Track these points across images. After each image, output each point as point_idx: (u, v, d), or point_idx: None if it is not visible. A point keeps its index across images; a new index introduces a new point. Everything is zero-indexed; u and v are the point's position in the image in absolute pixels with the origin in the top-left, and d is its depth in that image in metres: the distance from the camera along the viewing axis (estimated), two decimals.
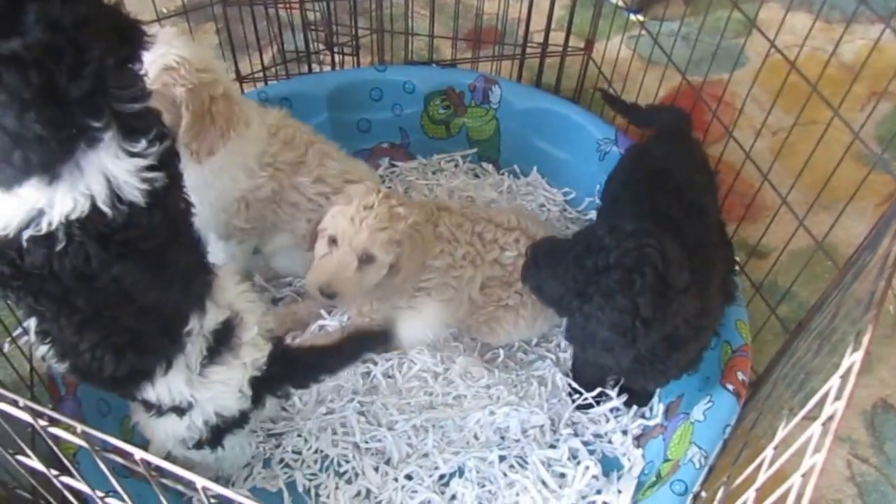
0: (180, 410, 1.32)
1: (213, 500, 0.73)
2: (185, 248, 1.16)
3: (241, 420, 1.44)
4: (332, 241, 1.58)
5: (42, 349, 1.16)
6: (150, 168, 0.98)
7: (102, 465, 0.79)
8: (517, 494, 1.58)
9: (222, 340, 1.29)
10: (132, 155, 0.96)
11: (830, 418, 0.71)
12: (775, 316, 1.74)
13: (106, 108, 0.92)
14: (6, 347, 1.61)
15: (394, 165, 2.19)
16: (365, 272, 1.58)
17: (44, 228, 0.94)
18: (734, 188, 1.83)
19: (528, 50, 2.27)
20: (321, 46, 2.28)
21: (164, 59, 1.41)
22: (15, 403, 0.77)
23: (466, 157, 2.21)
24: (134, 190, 0.97)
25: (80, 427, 0.75)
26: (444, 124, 2.18)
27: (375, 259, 1.58)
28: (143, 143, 0.97)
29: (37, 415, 0.78)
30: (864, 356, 0.74)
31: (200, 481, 0.70)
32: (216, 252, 1.74)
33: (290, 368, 1.48)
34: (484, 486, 1.60)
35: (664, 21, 2.11)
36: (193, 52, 1.47)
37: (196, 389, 1.29)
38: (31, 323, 1.13)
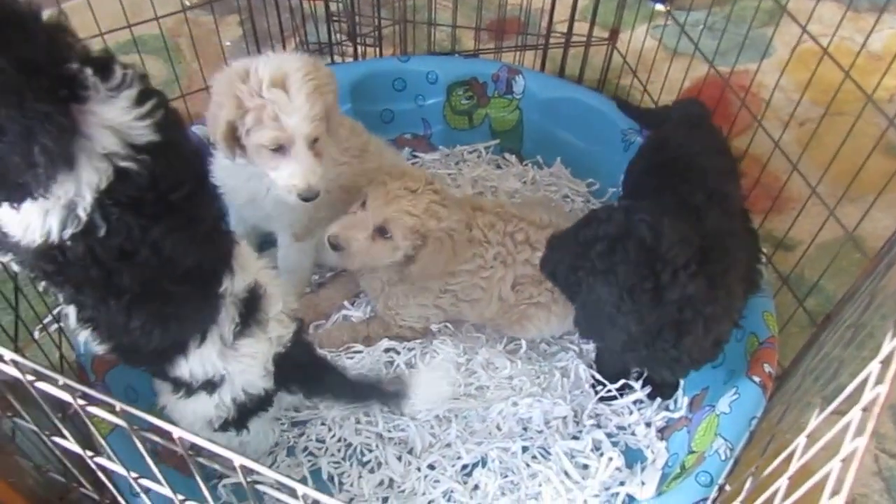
0: (212, 386, 1.32)
1: (248, 479, 0.73)
2: (209, 202, 1.16)
3: (265, 401, 1.44)
4: (363, 203, 1.59)
5: (83, 334, 1.17)
6: (141, 95, 0.97)
7: (139, 445, 0.80)
8: (540, 485, 1.57)
9: (250, 312, 1.29)
10: (118, 88, 0.95)
11: (873, 402, 0.70)
12: (803, 308, 1.72)
13: (68, 55, 0.90)
14: (37, 335, 1.62)
15: (416, 156, 2.19)
16: (377, 243, 1.58)
17: (83, 218, 0.95)
18: (761, 180, 1.81)
19: (552, 40, 2.25)
20: (344, 37, 2.28)
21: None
22: (55, 382, 0.77)
23: (489, 147, 2.21)
24: (141, 128, 0.96)
25: (118, 405, 0.75)
26: (467, 115, 2.18)
27: (391, 237, 1.57)
28: (119, 74, 0.95)
29: (76, 393, 0.78)
30: None
31: (238, 459, 0.70)
32: (287, 256, 1.79)
33: (304, 362, 1.46)
34: (506, 476, 1.59)
35: (691, 11, 2.09)
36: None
37: (228, 362, 1.30)
38: (71, 311, 1.14)
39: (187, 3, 2.04)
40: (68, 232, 0.96)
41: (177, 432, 0.70)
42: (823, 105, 1.62)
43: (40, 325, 1.62)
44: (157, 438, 0.75)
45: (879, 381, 0.70)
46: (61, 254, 0.99)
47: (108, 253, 0.99)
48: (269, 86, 1.37)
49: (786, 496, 0.86)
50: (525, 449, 1.63)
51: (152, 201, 1.00)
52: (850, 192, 1.61)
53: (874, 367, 0.75)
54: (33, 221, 0.96)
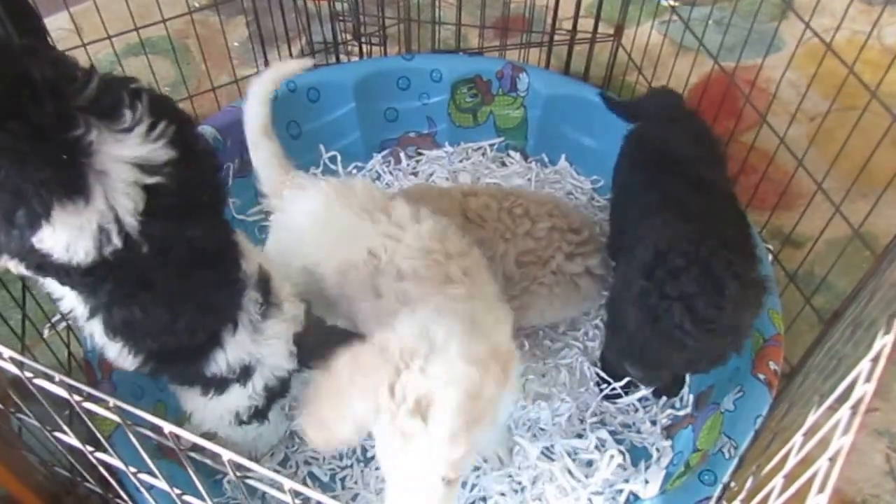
0: (247, 374, 1.33)
1: (238, 474, 0.74)
2: (220, 202, 1.16)
3: (284, 387, 1.45)
4: None
5: (114, 348, 1.18)
6: (150, 127, 0.97)
7: (134, 440, 0.80)
8: (543, 483, 1.57)
9: (266, 294, 1.30)
10: (128, 130, 0.95)
11: (860, 401, 0.70)
12: (810, 305, 1.70)
13: (72, 111, 0.91)
14: (46, 333, 1.64)
15: (420, 154, 2.19)
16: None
17: (115, 238, 0.96)
18: (770, 176, 1.80)
19: (557, 37, 2.25)
20: (349, 37, 2.29)
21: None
22: (51, 379, 0.79)
23: (494, 145, 2.20)
24: (157, 151, 0.97)
25: (112, 401, 0.76)
26: (472, 112, 2.17)
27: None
28: (127, 116, 0.95)
29: (72, 390, 0.80)
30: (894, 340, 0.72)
31: (226, 454, 0.71)
32: None
33: (320, 337, 1.45)
34: (510, 474, 1.59)
35: (696, 6, 2.08)
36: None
37: (259, 346, 1.31)
38: (96, 327, 1.15)
39: (196, 5, 2.05)
40: (108, 249, 0.97)
41: (167, 427, 0.71)
42: (834, 100, 1.60)
43: (49, 324, 1.64)
44: (150, 433, 0.76)
45: (868, 379, 0.70)
46: (106, 268, 1.00)
47: (149, 258, 1.01)
48: (410, 412, 1.06)
49: (781, 494, 0.86)
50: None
51: (183, 204, 1.02)
52: (862, 188, 1.59)
53: (865, 364, 0.75)
54: (74, 243, 0.97)
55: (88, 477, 1.24)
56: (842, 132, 1.60)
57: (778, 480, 0.87)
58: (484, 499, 1.57)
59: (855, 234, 1.54)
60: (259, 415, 1.45)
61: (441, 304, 1.23)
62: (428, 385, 1.06)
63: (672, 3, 2.53)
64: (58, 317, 1.66)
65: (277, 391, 1.44)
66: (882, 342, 0.73)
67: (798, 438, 0.90)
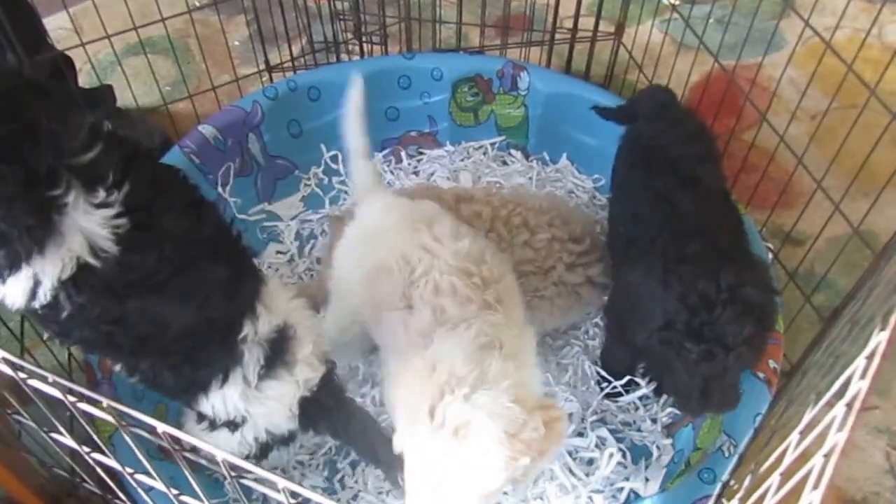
0: (234, 425, 1.29)
1: (233, 475, 0.74)
2: (220, 260, 1.13)
3: (288, 439, 1.41)
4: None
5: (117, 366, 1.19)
6: (117, 216, 0.96)
7: (129, 441, 0.81)
8: (544, 482, 1.57)
9: (277, 353, 1.24)
10: (98, 206, 0.95)
11: (855, 398, 0.70)
12: (810, 304, 1.70)
13: (61, 169, 0.91)
14: (46, 335, 1.64)
15: (421, 153, 2.19)
16: None
17: (45, 298, 0.96)
18: (771, 174, 1.79)
19: (558, 36, 2.25)
20: (349, 36, 2.29)
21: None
22: (44, 379, 0.79)
23: (495, 144, 2.20)
24: (105, 241, 0.96)
25: (106, 402, 0.76)
26: (473, 111, 2.17)
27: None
28: (103, 194, 0.95)
29: (67, 391, 0.80)
30: (889, 337, 0.72)
31: (221, 455, 0.71)
32: None
33: (330, 406, 1.39)
34: None
35: (697, 4, 2.07)
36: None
37: (251, 404, 1.26)
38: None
39: (196, 4, 2.05)
40: (35, 304, 0.97)
41: (161, 427, 0.71)
42: (836, 99, 1.60)
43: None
44: (145, 434, 0.76)
45: (863, 376, 0.70)
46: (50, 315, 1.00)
47: (92, 320, 1.01)
48: (451, 434, 1.06)
49: (778, 491, 0.86)
50: None
51: (124, 285, 1.00)
52: (864, 186, 1.58)
53: (860, 362, 0.75)
54: (7, 289, 0.98)
55: (88, 479, 1.24)
56: (843, 130, 1.60)
57: (775, 478, 0.87)
58: None
59: (854, 232, 1.54)
60: (256, 458, 1.39)
61: (482, 329, 1.23)
62: (470, 414, 1.07)
63: (673, 1, 2.53)
64: None
65: (275, 444, 1.39)
66: (877, 339, 0.73)
67: (795, 436, 0.90)
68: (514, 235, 1.67)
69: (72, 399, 0.79)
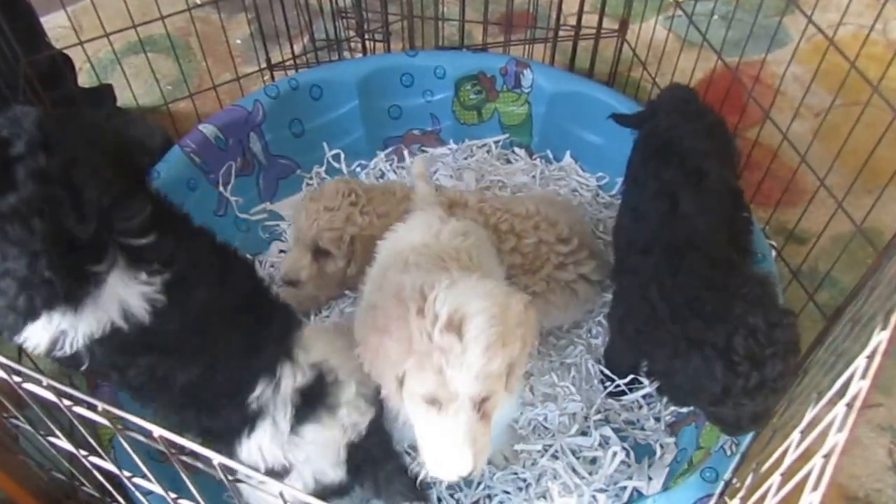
0: (276, 475, 1.23)
1: (229, 478, 0.74)
2: (236, 328, 1.14)
3: (342, 490, 1.35)
4: (296, 238, 1.75)
5: None
6: (156, 292, 1.00)
7: (125, 444, 0.80)
8: (547, 481, 1.57)
9: (315, 398, 1.22)
10: (139, 283, 0.98)
11: (855, 398, 0.69)
12: (813, 302, 1.69)
13: (111, 244, 0.94)
14: None
15: (424, 152, 2.19)
16: (322, 262, 1.76)
17: (67, 350, 0.98)
18: (775, 172, 1.78)
19: (561, 33, 2.24)
20: (352, 34, 2.28)
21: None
22: (39, 383, 0.78)
23: (498, 142, 2.19)
24: (140, 311, 0.99)
25: (101, 405, 0.76)
26: (476, 109, 2.17)
27: (329, 253, 1.73)
28: (145, 277, 0.98)
29: (61, 395, 0.79)
30: (890, 336, 0.71)
31: (216, 458, 0.71)
32: None
33: (379, 457, 1.35)
34: (515, 472, 1.59)
35: (701, 0, 2.05)
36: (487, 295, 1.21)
37: (289, 450, 1.22)
38: None
39: (198, 1, 2.04)
40: (55, 353, 0.99)
41: (157, 431, 0.71)
42: (840, 96, 1.58)
43: None
44: (140, 437, 0.76)
45: (863, 376, 0.69)
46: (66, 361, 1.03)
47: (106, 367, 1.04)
48: (443, 328, 1.11)
49: (779, 491, 0.85)
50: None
51: (138, 344, 1.02)
52: (868, 184, 1.57)
53: (861, 361, 0.74)
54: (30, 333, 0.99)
55: (87, 482, 1.24)
56: (847, 128, 1.59)
57: (776, 478, 0.86)
58: (489, 497, 1.57)
59: (858, 230, 1.53)
60: None
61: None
62: (458, 299, 1.12)
63: None
64: None
65: (326, 496, 1.33)
66: (878, 338, 0.73)
67: (796, 435, 0.89)
68: (503, 242, 1.68)
69: (67, 403, 0.79)
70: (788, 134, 1.71)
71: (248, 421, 1.18)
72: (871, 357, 0.72)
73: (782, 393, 1.26)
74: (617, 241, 1.70)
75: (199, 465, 0.76)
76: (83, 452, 0.95)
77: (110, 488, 1.06)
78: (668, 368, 1.33)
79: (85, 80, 2.21)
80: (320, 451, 1.25)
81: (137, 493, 1.01)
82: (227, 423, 1.18)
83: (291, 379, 1.19)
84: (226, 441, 1.21)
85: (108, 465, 0.92)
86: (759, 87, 1.81)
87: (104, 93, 2.17)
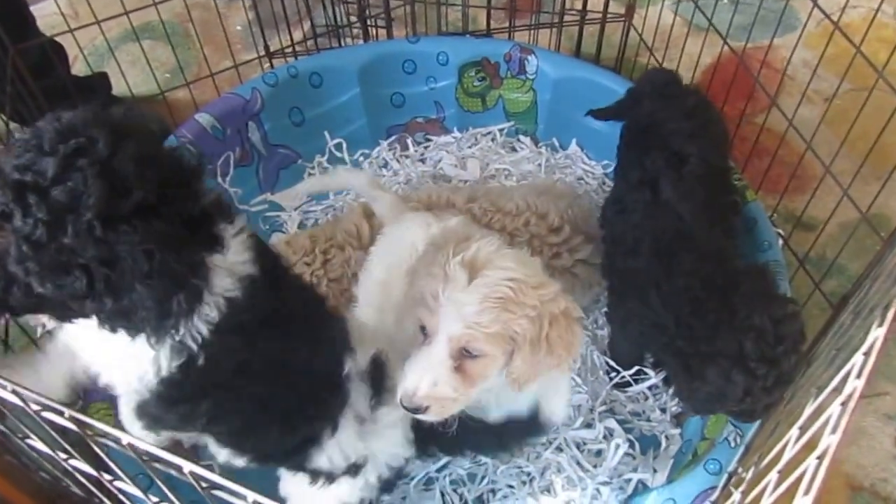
0: (356, 468, 1.27)
1: (203, 485, 0.72)
2: (312, 299, 1.17)
3: (399, 474, 1.40)
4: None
5: (224, 452, 1.17)
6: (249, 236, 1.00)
7: (98, 450, 0.79)
8: (551, 474, 1.55)
9: (378, 381, 1.24)
10: (235, 236, 0.97)
11: (850, 397, 0.66)
12: (819, 291, 1.66)
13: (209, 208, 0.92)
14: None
15: (429, 140, 2.16)
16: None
17: (194, 349, 0.94)
18: (784, 159, 1.75)
19: (567, 18, 2.20)
20: (353, 20, 2.25)
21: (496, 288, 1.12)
22: (4, 388, 0.77)
23: (503, 130, 2.16)
24: (245, 264, 0.98)
25: (67, 411, 0.74)
26: (480, 97, 2.13)
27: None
28: (238, 224, 0.97)
29: (27, 400, 0.78)
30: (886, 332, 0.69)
31: (187, 465, 0.69)
32: None
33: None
34: (519, 466, 1.57)
35: None
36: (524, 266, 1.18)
37: (369, 440, 1.25)
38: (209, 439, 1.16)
39: None
40: (174, 364, 0.96)
41: (125, 438, 0.69)
42: (851, 81, 1.54)
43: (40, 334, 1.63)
44: (112, 444, 0.74)
45: (859, 374, 0.66)
46: (174, 385, 0.98)
47: (223, 371, 1.00)
48: (462, 262, 1.11)
49: (775, 490, 0.83)
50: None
51: (252, 322, 0.99)
52: (877, 170, 1.54)
53: (857, 358, 0.71)
54: (142, 361, 0.95)
55: (72, 483, 1.22)
56: (857, 113, 1.55)
57: (773, 475, 0.84)
58: (493, 491, 1.55)
59: (863, 217, 1.50)
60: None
61: None
62: (495, 252, 1.15)
63: None
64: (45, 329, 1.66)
65: (393, 481, 1.38)
66: (875, 335, 0.70)
67: (794, 432, 0.86)
68: None
69: (35, 408, 0.77)
70: (798, 119, 1.67)
71: (334, 418, 1.19)
72: (867, 354, 0.69)
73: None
74: (604, 235, 1.67)
75: (173, 472, 0.75)
76: (62, 456, 0.94)
77: (94, 489, 1.05)
78: (690, 390, 1.32)
79: (81, 68, 2.19)
80: (394, 432, 1.31)
81: (123, 497, 1.00)
82: (321, 424, 1.18)
83: (363, 358, 1.22)
84: (303, 456, 1.22)
85: (87, 468, 0.91)
86: (769, 71, 1.78)
87: (98, 82, 2.14)
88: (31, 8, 2.01)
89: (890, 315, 0.70)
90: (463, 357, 1.14)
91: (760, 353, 1.21)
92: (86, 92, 2.07)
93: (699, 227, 1.39)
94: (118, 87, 2.16)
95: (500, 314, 1.10)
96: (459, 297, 1.10)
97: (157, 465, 0.73)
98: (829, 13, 1.54)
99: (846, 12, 1.52)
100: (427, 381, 1.14)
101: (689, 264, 1.33)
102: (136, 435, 0.89)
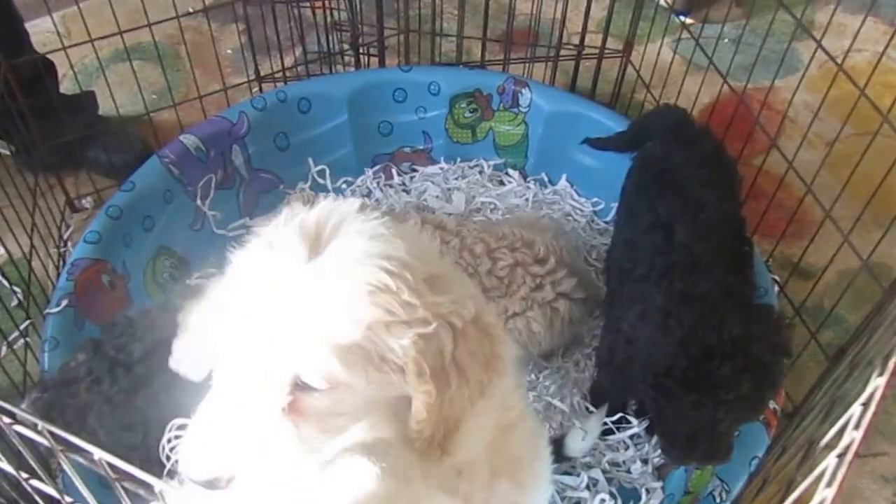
0: None
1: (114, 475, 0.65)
2: None
3: None
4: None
5: None
6: None
7: (67, 467, 0.72)
8: None
9: None
10: None
11: (847, 449, 0.60)
12: (815, 341, 1.58)
13: None
14: (3, 352, 1.57)
15: (415, 171, 2.10)
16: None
17: None
18: (783, 203, 1.69)
19: (563, 52, 2.16)
20: (346, 47, 2.21)
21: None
22: None
23: (491, 163, 2.11)
24: None
25: (40, 424, 0.67)
26: (470, 128, 2.08)
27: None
28: None
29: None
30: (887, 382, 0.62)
31: (98, 453, 0.62)
32: None
33: None
34: None
35: (714, 24, 1.96)
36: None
37: None
38: None
39: (189, 10, 1.98)
40: None
41: (98, 453, 0.63)
42: (854, 125, 1.49)
43: (6, 342, 1.56)
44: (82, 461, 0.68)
45: (857, 425, 0.60)
46: None
47: None
48: (297, 228, 0.73)
49: None
50: None
51: None
52: (880, 218, 1.48)
53: (855, 409, 0.64)
54: None
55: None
56: (859, 158, 1.50)
57: None
58: None
59: (864, 264, 1.43)
60: None
61: None
62: (340, 211, 0.74)
63: (687, 20, 2.43)
64: (15, 334, 1.61)
65: None
66: (875, 384, 0.63)
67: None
68: (478, 264, 1.63)
69: (7, 421, 0.70)
70: (798, 163, 1.62)
71: None
72: (866, 405, 0.62)
73: (732, 416, 1.21)
74: (608, 271, 1.61)
75: (82, 461, 0.68)
76: (24, 475, 0.87)
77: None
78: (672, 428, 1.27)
79: (69, 86, 2.16)
80: None
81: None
82: None
83: None
84: None
85: (52, 490, 0.83)
86: (770, 113, 1.73)
87: (85, 100, 2.11)
88: (26, 25, 1.99)
89: (891, 365, 0.64)
90: (298, 390, 0.71)
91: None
92: (73, 110, 2.04)
93: (716, 263, 1.35)
94: (105, 106, 2.12)
95: (365, 311, 0.68)
96: (291, 282, 0.69)
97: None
98: (834, 55, 1.50)
99: (850, 56, 1.47)
100: (220, 444, 0.71)
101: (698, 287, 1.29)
102: None
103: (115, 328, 1.21)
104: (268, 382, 0.70)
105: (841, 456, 0.63)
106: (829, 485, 0.62)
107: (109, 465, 0.66)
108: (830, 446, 0.71)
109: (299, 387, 0.71)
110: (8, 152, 2.05)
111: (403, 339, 0.70)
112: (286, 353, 0.69)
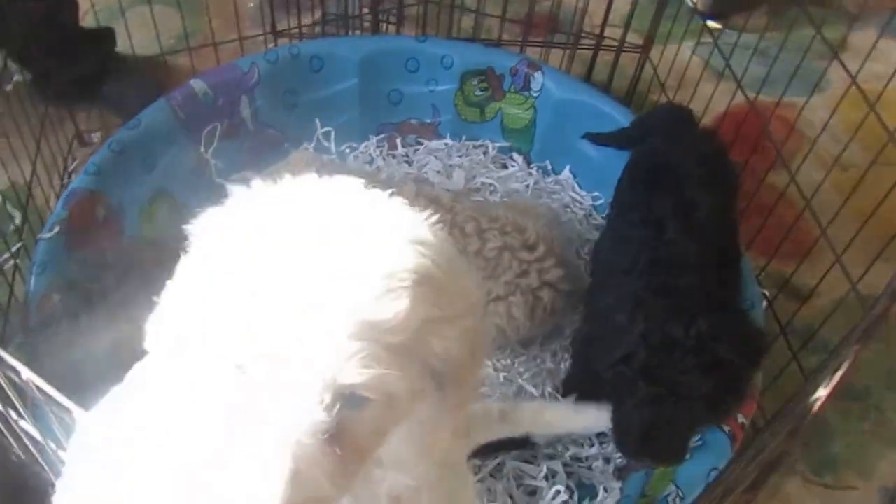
0: None
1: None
2: None
3: None
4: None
5: None
6: None
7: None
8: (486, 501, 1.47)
9: None
10: None
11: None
12: (797, 362, 1.56)
13: None
14: None
15: (420, 143, 2.09)
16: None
17: None
18: (785, 221, 1.67)
19: (582, 41, 2.13)
20: (365, 11, 2.20)
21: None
22: None
23: (496, 144, 2.10)
24: None
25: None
26: (479, 107, 2.06)
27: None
28: None
29: None
30: None
31: (26, 372, 0.63)
32: None
33: None
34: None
35: (745, 33, 1.91)
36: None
37: None
38: None
39: None
40: None
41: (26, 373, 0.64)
42: (873, 151, 1.46)
43: None
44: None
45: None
46: None
47: None
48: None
49: None
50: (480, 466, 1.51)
51: None
52: (886, 252, 1.46)
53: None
54: None
55: None
56: (874, 189, 1.46)
57: None
58: None
59: (853, 287, 1.41)
60: None
61: None
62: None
63: (715, 25, 2.39)
64: (6, 255, 1.63)
65: None
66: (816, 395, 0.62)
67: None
68: (468, 244, 1.63)
69: None
70: (807, 184, 1.59)
71: None
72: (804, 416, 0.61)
73: (691, 417, 1.21)
74: (594, 262, 1.60)
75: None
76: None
77: None
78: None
79: (89, 22, 2.16)
80: None
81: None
82: None
83: None
84: None
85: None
86: (783, 127, 1.70)
87: (104, 35, 2.12)
88: None
89: (836, 378, 0.63)
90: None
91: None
92: (91, 43, 2.07)
93: (706, 262, 1.34)
94: (122, 45, 2.14)
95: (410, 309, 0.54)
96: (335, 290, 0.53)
97: None
98: (865, 80, 1.46)
99: (882, 80, 1.44)
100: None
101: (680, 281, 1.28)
102: None
103: (86, 260, 1.21)
104: (301, 393, 0.51)
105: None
106: None
107: (37, 387, 0.67)
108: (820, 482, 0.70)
109: (345, 399, 0.53)
110: (22, 78, 2.06)
111: (448, 330, 0.57)
112: (325, 350, 0.51)
